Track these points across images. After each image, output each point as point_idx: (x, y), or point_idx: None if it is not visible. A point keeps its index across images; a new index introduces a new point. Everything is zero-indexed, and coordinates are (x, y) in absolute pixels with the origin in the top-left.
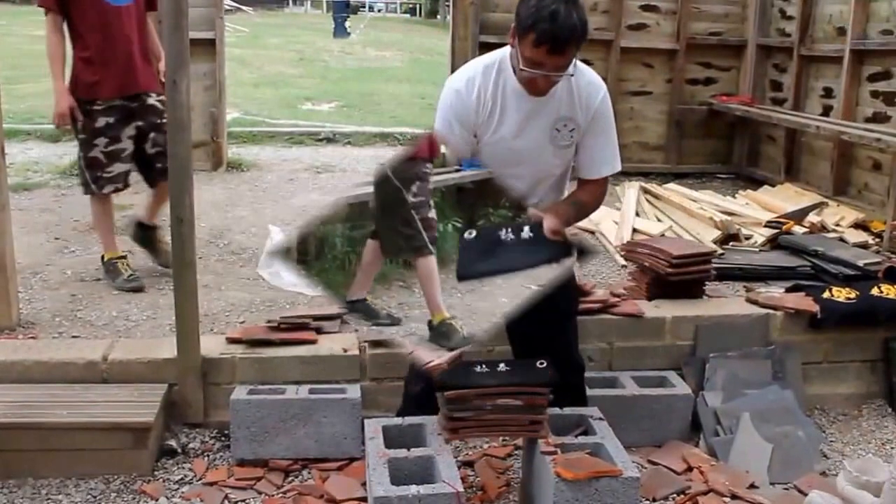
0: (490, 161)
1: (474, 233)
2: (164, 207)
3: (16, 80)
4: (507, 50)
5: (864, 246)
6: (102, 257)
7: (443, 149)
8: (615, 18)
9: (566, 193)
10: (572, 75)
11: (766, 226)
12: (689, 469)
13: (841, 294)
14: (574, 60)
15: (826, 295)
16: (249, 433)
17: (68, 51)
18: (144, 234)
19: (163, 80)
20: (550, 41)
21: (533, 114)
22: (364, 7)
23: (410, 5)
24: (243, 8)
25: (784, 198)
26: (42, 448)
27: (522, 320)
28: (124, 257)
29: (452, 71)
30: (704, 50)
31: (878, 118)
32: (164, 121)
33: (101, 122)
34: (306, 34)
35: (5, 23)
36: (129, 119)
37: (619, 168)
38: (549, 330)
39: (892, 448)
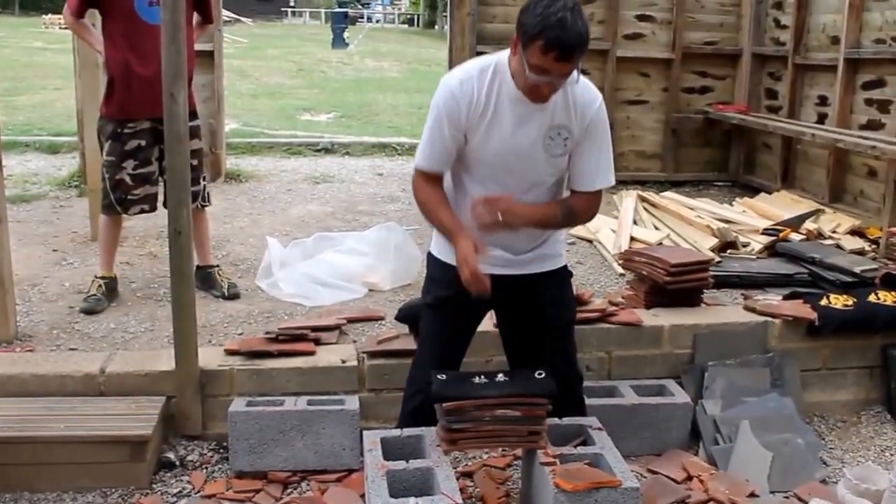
0: (478, 167)
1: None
2: (206, 237)
3: (14, 92)
4: (504, 54)
5: (861, 253)
6: None
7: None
8: (611, 28)
9: None
10: (577, 82)
11: (763, 233)
12: (689, 478)
13: (838, 301)
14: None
15: (824, 302)
16: (248, 445)
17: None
18: (204, 274)
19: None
20: (559, 48)
21: (527, 120)
22: (362, 18)
23: (408, 16)
24: (242, 19)
25: (781, 205)
26: (39, 462)
27: (520, 332)
28: (109, 279)
29: None
30: (700, 59)
31: (872, 126)
32: (191, 146)
33: (132, 144)
34: (305, 45)
35: (3, 34)
36: (158, 141)
37: (612, 182)
38: (546, 341)
39: (891, 455)
